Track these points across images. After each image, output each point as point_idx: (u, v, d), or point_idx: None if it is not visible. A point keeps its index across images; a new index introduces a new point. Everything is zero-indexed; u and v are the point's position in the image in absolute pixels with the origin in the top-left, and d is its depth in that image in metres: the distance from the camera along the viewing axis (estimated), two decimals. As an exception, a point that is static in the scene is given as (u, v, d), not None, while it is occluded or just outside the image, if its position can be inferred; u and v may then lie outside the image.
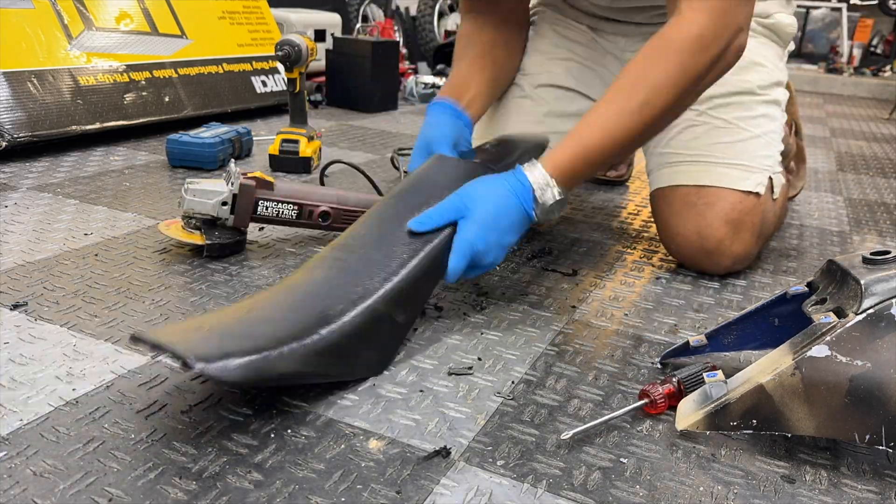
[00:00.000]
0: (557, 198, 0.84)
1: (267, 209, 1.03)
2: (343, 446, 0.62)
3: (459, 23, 1.21)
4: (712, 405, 0.64)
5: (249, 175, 1.02)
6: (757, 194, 1.04)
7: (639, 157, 1.71)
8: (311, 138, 1.54)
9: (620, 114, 0.84)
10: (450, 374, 0.74)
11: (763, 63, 1.11)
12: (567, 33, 1.23)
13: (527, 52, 1.25)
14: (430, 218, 0.80)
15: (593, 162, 0.86)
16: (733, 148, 1.05)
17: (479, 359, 0.78)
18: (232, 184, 1.00)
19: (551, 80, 1.21)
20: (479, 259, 0.81)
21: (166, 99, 1.77)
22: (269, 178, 1.03)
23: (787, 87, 1.22)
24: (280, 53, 1.44)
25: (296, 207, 1.04)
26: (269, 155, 1.51)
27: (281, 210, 1.03)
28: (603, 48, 1.20)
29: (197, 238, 1.00)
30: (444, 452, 0.61)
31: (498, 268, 1.05)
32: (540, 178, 0.83)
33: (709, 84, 0.88)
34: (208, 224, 1.00)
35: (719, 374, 0.66)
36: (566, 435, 0.64)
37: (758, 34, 1.13)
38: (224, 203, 1.00)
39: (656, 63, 0.84)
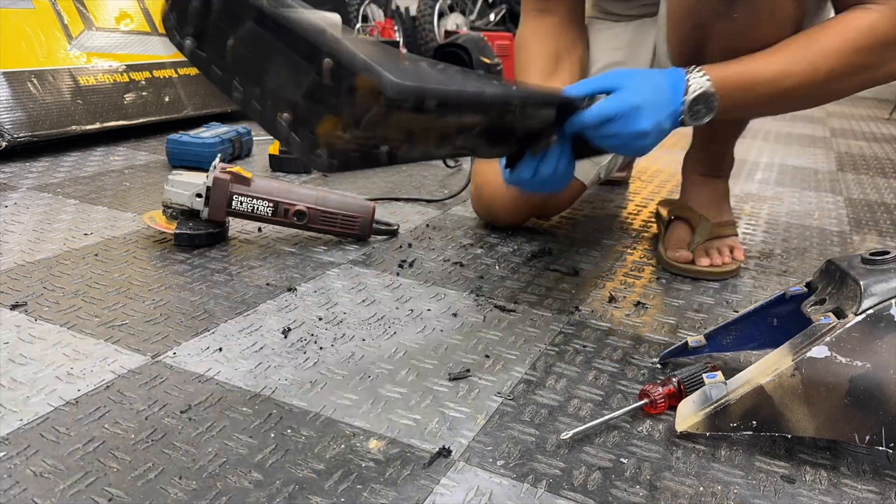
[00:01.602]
0: (703, 94, 0.83)
1: (241, 204, 1.04)
2: (343, 446, 0.62)
3: (521, 24, 1.19)
4: (712, 406, 0.64)
5: (228, 170, 1.03)
6: None
7: (638, 157, 1.71)
8: None
9: (789, 60, 0.86)
10: (450, 378, 0.74)
11: None
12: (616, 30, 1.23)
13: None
14: (584, 84, 0.80)
15: (750, 89, 0.86)
16: None
17: (487, 356, 0.78)
18: (207, 176, 1.02)
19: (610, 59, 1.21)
20: (632, 123, 0.79)
21: (166, 99, 1.77)
22: (247, 174, 1.04)
23: None
24: None
25: (271, 205, 1.05)
26: (269, 155, 1.51)
27: (256, 206, 1.04)
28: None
29: (171, 227, 1.03)
30: (444, 452, 0.62)
31: (498, 267, 1.05)
32: (698, 75, 0.84)
33: (876, 79, 0.88)
34: (186, 215, 1.04)
35: (719, 375, 0.66)
36: (566, 435, 0.64)
37: None
38: (199, 195, 1.02)
39: (830, 36, 0.86)
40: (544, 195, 1.15)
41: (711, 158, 1.14)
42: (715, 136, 1.10)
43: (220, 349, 0.76)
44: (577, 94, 0.78)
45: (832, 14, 0.97)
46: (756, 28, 0.91)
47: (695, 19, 0.94)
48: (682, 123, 0.85)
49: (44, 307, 0.83)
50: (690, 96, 0.83)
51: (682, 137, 1.27)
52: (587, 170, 1.18)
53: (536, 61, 1.13)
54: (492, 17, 4.16)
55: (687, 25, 0.96)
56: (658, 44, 1.16)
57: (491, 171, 1.17)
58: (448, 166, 1.62)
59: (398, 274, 1.00)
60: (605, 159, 1.19)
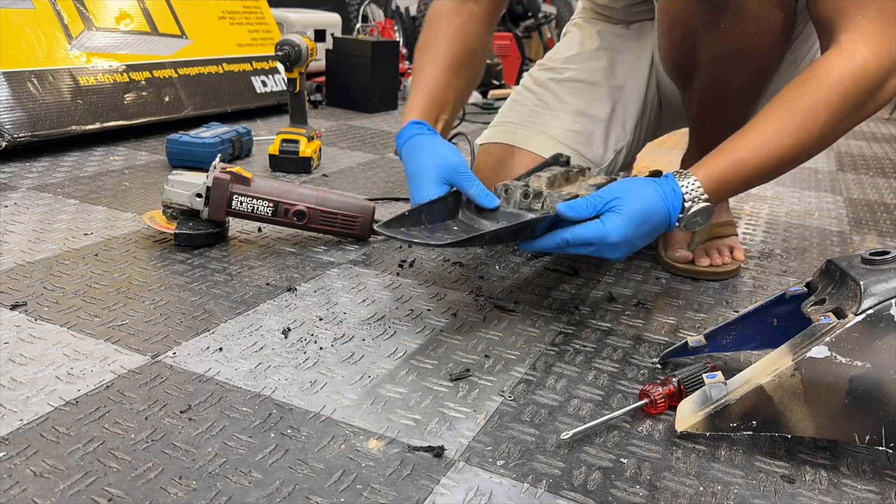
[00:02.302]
0: (704, 208, 0.82)
1: (241, 204, 1.04)
2: (343, 446, 0.62)
3: None
4: (712, 407, 0.64)
5: (227, 169, 1.03)
6: None
7: (638, 157, 1.71)
8: (311, 138, 1.54)
9: (776, 133, 0.83)
10: (451, 379, 0.74)
11: None
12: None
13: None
14: (580, 205, 0.80)
15: (744, 178, 0.84)
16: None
17: (487, 356, 0.78)
18: (207, 176, 1.02)
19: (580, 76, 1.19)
20: (606, 250, 0.80)
21: (166, 99, 1.77)
22: (247, 174, 1.04)
23: None
24: (280, 53, 1.44)
25: (271, 205, 1.05)
26: (269, 155, 1.51)
27: (256, 206, 1.04)
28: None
29: (171, 226, 1.03)
30: (437, 451, 0.61)
31: (498, 267, 1.05)
32: (691, 188, 0.82)
33: (866, 116, 0.86)
34: (186, 215, 1.03)
35: (719, 375, 0.66)
36: (566, 435, 0.64)
37: None
38: (199, 195, 1.02)
39: (814, 89, 0.82)
40: None
41: None
42: (709, 140, 1.11)
43: (220, 349, 0.76)
44: (573, 215, 0.79)
45: (815, 49, 0.96)
46: (743, 37, 0.91)
47: (684, 28, 0.95)
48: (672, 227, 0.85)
49: (44, 307, 0.83)
50: (688, 214, 0.82)
51: (681, 137, 1.27)
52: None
53: (442, 58, 1.01)
54: (492, 17, 4.15)
55: (677, 34, 0.97)
56: (655, 49, 1.16)
57: (486, 171, 1.16)
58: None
59: (398, 274, 1.00)
60: (605, 161, 1.19)
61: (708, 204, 0.82)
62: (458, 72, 1.02)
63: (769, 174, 0.86)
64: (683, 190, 0.82)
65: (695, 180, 0.82)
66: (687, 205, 0.82)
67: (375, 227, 0.81)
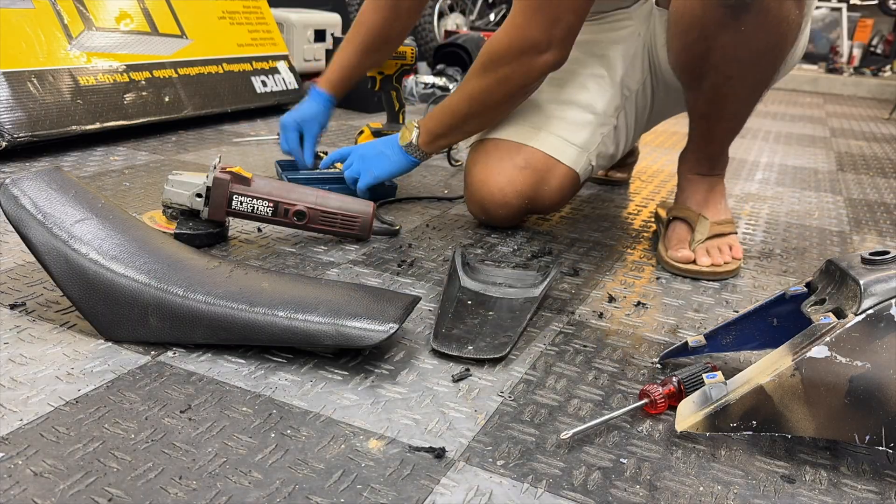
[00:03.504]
0: (416, 142, 1.17)
1: (241, 204, 1.04)
2: (343, 446, 0.62)
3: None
4: (712, 406, 0.64)
5: (227, 169, 1.02)
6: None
7: (640, 158, 1.71)
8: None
9: (458, 98, 1.14)
10: (453, 380, 0.74)
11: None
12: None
13: None
14: (327, 160, 1.28)
15: (452, 117, 1.15)
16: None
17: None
18: (207, 176, 1.02)
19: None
20: (352, 173, 1.21)
21: (166, 99, 1.77)
22: (247, 174, 1.04)
23: None
24: None
25: (271, 205, 1.05)
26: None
27: (256, 206, 1.04)
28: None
29: (171, 227, 1.03)
30: (438, 452, 0.61)
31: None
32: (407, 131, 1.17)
33: (522, 81, 1.09)
34: (186, 215, 1.04)
35: (719, 375, 0.66)
36: (566, 435, 0.64)
37: None
38: (198, 195, 1.02)
39: (478, 61, 1.10)
40: (531, 184, 1.15)
41: (707, 158, 1.14)
42: (713, 136, 1.11)
43: (221, 349, 0.76)
44: (324, 165, 1.30)
45: (806, 37, 1.07)
46: (764, 37, 0.91)
47: (700, 30, 0.94)
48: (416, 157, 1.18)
49: (44, 307, 0.83)
50: (410, 147, 1.17)
51: (681, 138, 1.27)
52: (574, 155, 1.18)
53: (365, 34, 1.36)
54: (492, 17, 4.16)
55: (691, 36, 0.96)
56: (657, 49, 1.16)
57: (483, 170, 1.17)
58: (452, 164, 1.62)
59: (398, 274, 1.00)
60: (594, 144, 1.19)
61: (418, 142, 1.17)
62: (370, 54, 1.38)
63: (469, 118, 1.15)
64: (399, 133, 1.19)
65: (412, 125, 1.18)
66: (402, 137, 1.18)
67: (435, 345, 0.79)
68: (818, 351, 0.62)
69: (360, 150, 1.20)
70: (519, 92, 1.11)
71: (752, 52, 0.93)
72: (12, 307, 0.82)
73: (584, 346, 0.83)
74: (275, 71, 2.13)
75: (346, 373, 0.74)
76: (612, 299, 0.97)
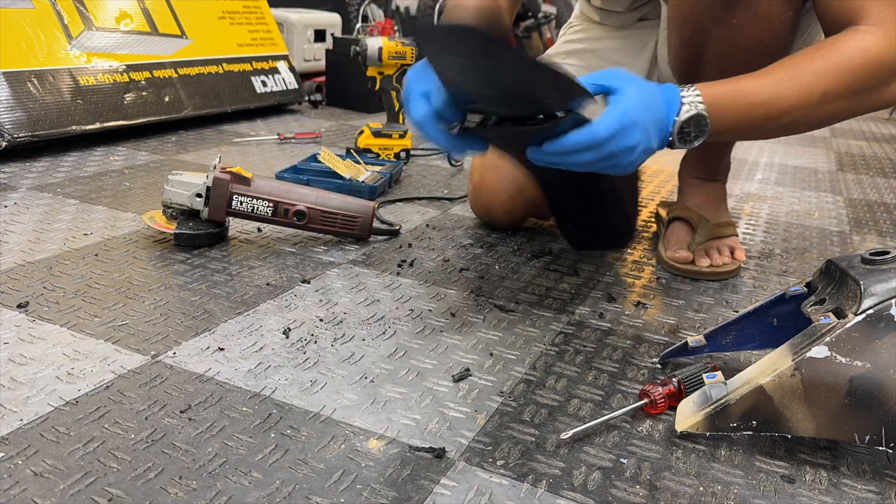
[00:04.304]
0: (697, 117, 0.78)
1: (241, 204, 1.04)
2: (343, 446, 0.62)
3: None
4: (712, 406, 0.64)
5: (227, 169, 1.03)
6: None
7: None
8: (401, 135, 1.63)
9: (780, 81, 0.80)
10: (453, 380, 0.74)
11: None
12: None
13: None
14: (581, 80, 0.73)
15: (741, 108, 0.81)
16: None
17: (487, 356, 0.78)
18: (207, 176, 1.02)
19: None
20: (622, 138, 0.72)
21: (166, 99, 1.77)
22: (247, 174, 1.04)
23: None
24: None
25: (271, 205, 1.05)
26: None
27: (256, 206, 1.04)
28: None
29: (171, 226, 1.03)
30: (438, 452, 0.61)
31: (498, 267, 1.05)
32: (689, 93, 0.78)
33: (867, 107, 0.84)
34: (186, 215, 1.04)
35: (719, 375, 0.66)
36: (566, 435, 0.64)
37: None
38: (199, 195, 1.02)
39: (825, 57, 0.81)
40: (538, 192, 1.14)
41: (708, 163, 1.14)
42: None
43: (221, 349, 0.76)
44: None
45: (821, 37, 0.96)
46: (753, 33, 0.92)
47: (695, 24, 0.95)
48: (671, 146, 0.79)
49: (44, 307, 0.83)
50: (683, 117, 0.76)
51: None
52: None
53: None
54: (492, 17, 4.16)
55: (687, 30, 0.97)
56: (659, 47, 1.16)
57: (488, 170, 1.17)
58: (452, 164, 1.62)
59: (398, 274, 1.00)
60: None
61: (703, 113, 0.77)
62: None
63: (766, 121, 0.82)
64: (682, 93, 0.78)
65: (694, 89, 0.79)
66: (685, 108, 0.77)
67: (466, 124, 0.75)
68: (818, 351, 0.62)
69: (635, 91, 0.76)
70: (862, 103, 0.85)
71: (742, 47, 0.93)
72: (13, 307, 0.82)
73: (584, 346, 0.83)
74: (275, 71, 2.13)
75: (346, 373, 0.74)
76: (612, 299, 0.97)
